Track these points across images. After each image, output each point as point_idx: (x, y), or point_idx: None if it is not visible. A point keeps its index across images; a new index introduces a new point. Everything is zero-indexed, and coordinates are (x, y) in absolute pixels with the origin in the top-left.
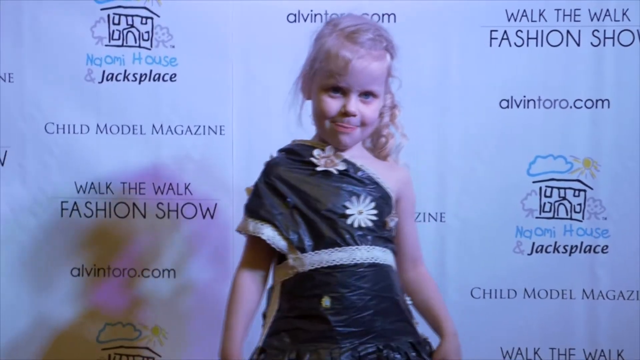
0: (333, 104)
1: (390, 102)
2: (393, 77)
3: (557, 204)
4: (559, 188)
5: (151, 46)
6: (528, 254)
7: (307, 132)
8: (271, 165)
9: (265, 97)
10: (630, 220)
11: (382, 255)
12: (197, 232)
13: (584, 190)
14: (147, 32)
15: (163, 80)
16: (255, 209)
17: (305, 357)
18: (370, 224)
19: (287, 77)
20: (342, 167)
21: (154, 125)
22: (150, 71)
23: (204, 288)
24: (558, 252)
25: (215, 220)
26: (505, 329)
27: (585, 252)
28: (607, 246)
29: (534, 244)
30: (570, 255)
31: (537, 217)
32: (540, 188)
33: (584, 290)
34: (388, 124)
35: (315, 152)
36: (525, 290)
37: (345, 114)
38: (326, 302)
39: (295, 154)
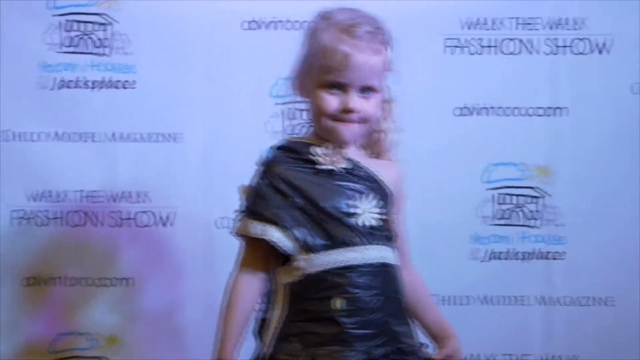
0: (332, 101)
1: (387, 96)
2: (390, 71)
3: (512, 210)
4: (514, 195)
5: (109, 53)
6: (484, 261)
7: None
8: (270, 164)
9: (224, 105)
10: (585, 227)
11: (390, 255)
12: (154, 240)
13: (540, 197)
14: (106, 38)
15: (123, 87)
16: (259, 210)
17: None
18: (375, 222)
19: (246, 84)
20: (344, 165)
21: (109, 133)
22: (107, 78)
23: (162, 296)
24: (514, 258)
25: (173, 228)
26: (460, 335)
27: (541, 258)
28: (563, 252)
29: (489, 251)
30: (526, 261)
31: (492, 224)
32: (495, 195)
33: (539, 297)
34: (384, 118)
35: (319, 150)
36: (481, 297)
37: (346, 110)
38: (338, 303)
39: (294, 152)
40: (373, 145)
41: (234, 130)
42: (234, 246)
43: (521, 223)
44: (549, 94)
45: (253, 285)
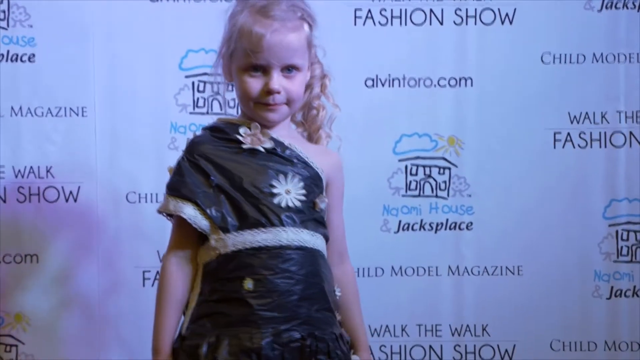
0: (254, 84)
1: (320, 72)
2: (315, 47)
3: (422, 182)
4: (424, 166)
5: (7, 26)
6: (395, 232)
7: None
8: (194, 143)
9: (128, 78)
10: (493, 197)
11: (310, 238)
12: (60, 216)
13: (449, 168)
14: (3, 11)
15: (21, 61)
16: (176, 187)
17: (224, 342)
18: (298, 204)
19: (150, 57)
20: (269, 145)
21: (12, 107)
22: (7, 52)
23: (67, 273)
24: (424, 229)
25: (78, 204)
26: (372, 307)
27: (450, 229)
28: (471, 223)
29: (400, 222)
30: (436, 232)
31: (403, 196)
32: (406, 166)
33: (449, 267)
34: (319, 94)
35: (242, 129)
36: (393, 268)
37: (268, 92)
38: (248, 284)
39: (220, 132)
40: (310, 121)
41: (141, 104)
42: (142, 221)
43: (431, 194)
44: (456, 64)
45: (182, 266)
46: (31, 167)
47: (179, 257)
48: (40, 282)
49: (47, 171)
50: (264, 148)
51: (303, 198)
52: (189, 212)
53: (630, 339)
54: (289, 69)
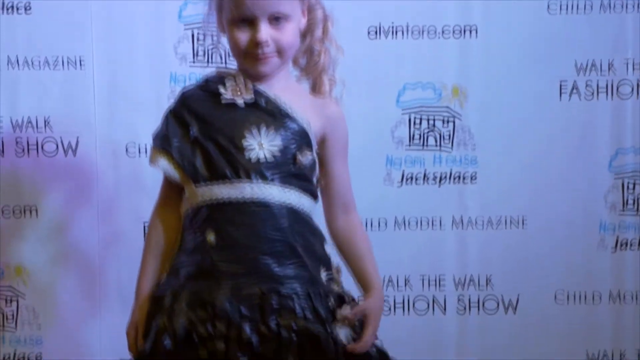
0: (242, 37)
1: (322, 14)
2: None
3: (426, 133)
4: (428, 118)
5: None
6: (398, 184)
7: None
8: (182, 95)
9: (127, 28)
10: (498, 149)
11: (279, 194)
12: (59, 168)
13: (453, 119)
14: None
15: (17, 11)
16: (155, 138)
17: (185, 294)
18: (271, 158)
19: (149, 7)
20: (248, 97)
21: (9, 58)
22: (3, 3)
23: (67, 225)
24: (427, 182)
25: (77, 156)
26: (377, 258)
27: (454, 181)
28: (475, 173)
29: (404, 174)
30: (439, 185)
31: (407, 147)
32: (410, 117)
33: (453, 218)
34: (321, 38)
35: (227, 82)
36: (396, 219)
37: (256, 44)
38: (211, 237)
39: (207, 84)
40: (312, 66)
41: (140, 54)
42: (141, 173)
43: (435, 145)
44: (461, 13)
45: (164, 216)
46: (29, 118)
47: (164, 207)
48: (40, 234)
49: (45, 123)
50: (243, 100)
51: (277, 152)
52: (163, 163)
53: (635, 289)
54: (276, 18)
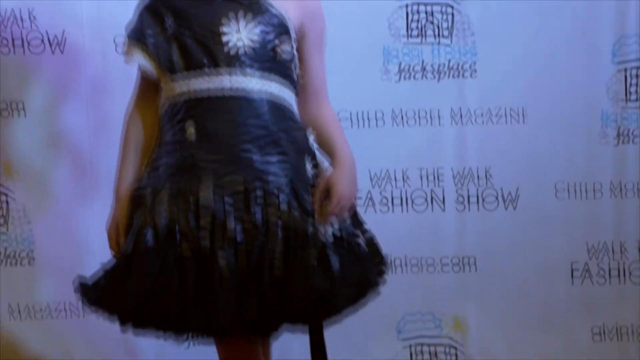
0: None
1: None
2: None
3: (423, 25)
4: (425, 12)
5: None
6: (395, 78)
7: None
8: None
9: None
10: (497, 38)
11: (259, 84)
12: (45, 62)
13: (451, 10)
14: None
15: None
16: (130, 31)
17: (166, 187)
18: (249, 44)
19: None
20: None
21: None
22: None
23: (55, 119)
24: (426, 77)
25: (65, 54)
26: (374, 153)
27: (453, 74)
28: (474, 63)
29: (400, 64)
30: (437, 78)
31: (404, 40)
32: (407, 7)
33: (452, 110)
34: None
35: None
36: (394, 113)
37: None
38: (190, 130)
39: None
40: None
41: None
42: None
43: (433, 37)
44: None
45: (140, 112)
46: (12, 11)
47: (140, 104)
48: (28, 132)
49: (30, 15)
50: None
51: (256, 41)
52: (138, 56)
53: (636, 181)
54: None
